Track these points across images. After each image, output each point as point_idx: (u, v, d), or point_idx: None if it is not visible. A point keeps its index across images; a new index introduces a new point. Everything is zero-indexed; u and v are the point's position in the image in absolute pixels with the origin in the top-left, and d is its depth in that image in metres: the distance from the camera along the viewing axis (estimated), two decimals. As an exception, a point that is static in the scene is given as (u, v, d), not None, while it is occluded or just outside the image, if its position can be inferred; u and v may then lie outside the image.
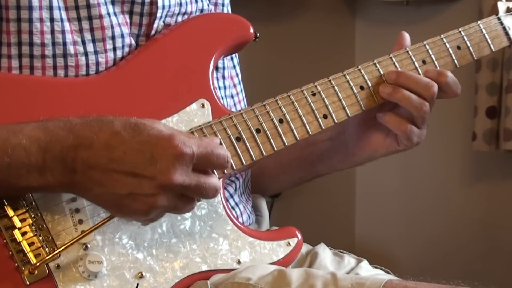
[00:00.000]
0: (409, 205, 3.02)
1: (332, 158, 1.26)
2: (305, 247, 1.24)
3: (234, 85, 1.27)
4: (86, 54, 1.02)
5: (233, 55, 1.28)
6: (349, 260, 1.22)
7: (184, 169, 0.90)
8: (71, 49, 1.00)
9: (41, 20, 0.99)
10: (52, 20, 1.00)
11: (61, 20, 1.00)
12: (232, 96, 1.26)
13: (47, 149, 0.90)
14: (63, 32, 1.00)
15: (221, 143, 1.02)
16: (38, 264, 0.93)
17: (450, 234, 2.90)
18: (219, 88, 1.19)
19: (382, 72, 1.16)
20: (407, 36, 1.21)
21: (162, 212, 0.94)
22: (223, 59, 1.20)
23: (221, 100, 1.13)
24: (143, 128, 0.91)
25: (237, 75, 1.29)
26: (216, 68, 1.19)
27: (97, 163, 0.89)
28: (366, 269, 1.20)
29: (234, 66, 1.28)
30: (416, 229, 3.00)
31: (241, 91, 1.30)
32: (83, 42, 1.02)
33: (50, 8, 1.00)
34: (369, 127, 1.20)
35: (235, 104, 1.26)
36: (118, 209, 0.92)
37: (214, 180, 0.95)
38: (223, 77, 1.21)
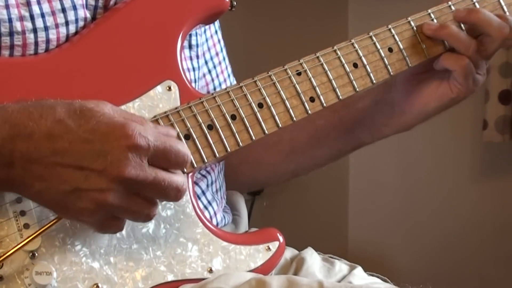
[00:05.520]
0: (409, 204, 3.03)
1: (376, 123, 1.28)
2: (290, 252, 1.25)
3: (220, 63, 1.29)
4: (35, 30, 1.01)
5: (217, 28, 1.29)
6: (341, 266, 1.23)
7: (138, 162, 0.91)
8: (17, 25, 1.00)
9: None
10: None
11: None
12: (214, 67, 1.28)
13: None
14: (7, 6, 0.99)
15: (178, 137, 1.02)
16: (-23, 276, 0.93)
17: (457, 237, 2.92)
18: (193, 69, 1.20)
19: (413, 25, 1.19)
20: None
21: (113, 213, 0.93)
22: (196, 36, 1.20)
23: (193, 84, 1.13)
24: (90, 114, 0.91)
25: (218, 41, 1.31)
26: (190, 46, 1.19)
27: (38, 156, 0.89)
28: (360, 277, 1.20)
29: (216, 32, 1.30)
30: (417, 231, 3.01)
31: (224, 59, 1.32)
32: (31, 17, 1.01)
33: None
34: (419, 81, 1.23)
35: (212, 79, 1.28)
36: (62, 208, 0.92)
37: (176, 178, 0.95)
38: (197, 57, 1.22)
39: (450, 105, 1.23)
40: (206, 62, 1.27)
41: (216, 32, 1.29)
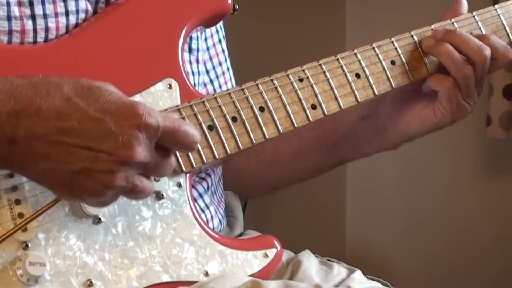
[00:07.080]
0: (410, 204, 3.01)
1: (359, 137, 1.29)
2: (287, 255, 1.26)
3: (220, 63, 1.30)
4: (33, 17, 1.02)
5: (219, 29, 1.30)
6: (339, 270, 1.24)
7: (147, 143, 0.90)
8: (15, 10, 1.01)
9: None
10: None
11: None
12: (217, 77, 1.29)
13: None
14: None
15: None
16: (-31, 265, 0.93)
17: (459, 237, 2.89)
18: (192, 73, 1.21)
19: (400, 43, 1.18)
20: (465, 4, 1.25)
21: (118, 194, 0.94)
22: (197, 39, 1.22)
23: (193, 84, 1.14)
24: (99, 93, 0.90)
25: (223, 51, 1.32)
26: (190, 49, 1.21)
27: (44, 133, 0.88)
28: (359, 281, 1.21)
29: (220, 41, 1.31)
30: (418, 232, 2.98)
31: (228, 70, 1.33)
32: (30, 3, 1.02)
33: None
34: (406, 99, 1.24)
35: (214, 90, 1.29)
36: (66, 188, 0.91)
37: (173, 160, 0.96)
38: (197, 61, 1.23)
39: (432, 129, 1.24)
40: (207, 72, 1.28)
41: (220, 41, 1.30)
